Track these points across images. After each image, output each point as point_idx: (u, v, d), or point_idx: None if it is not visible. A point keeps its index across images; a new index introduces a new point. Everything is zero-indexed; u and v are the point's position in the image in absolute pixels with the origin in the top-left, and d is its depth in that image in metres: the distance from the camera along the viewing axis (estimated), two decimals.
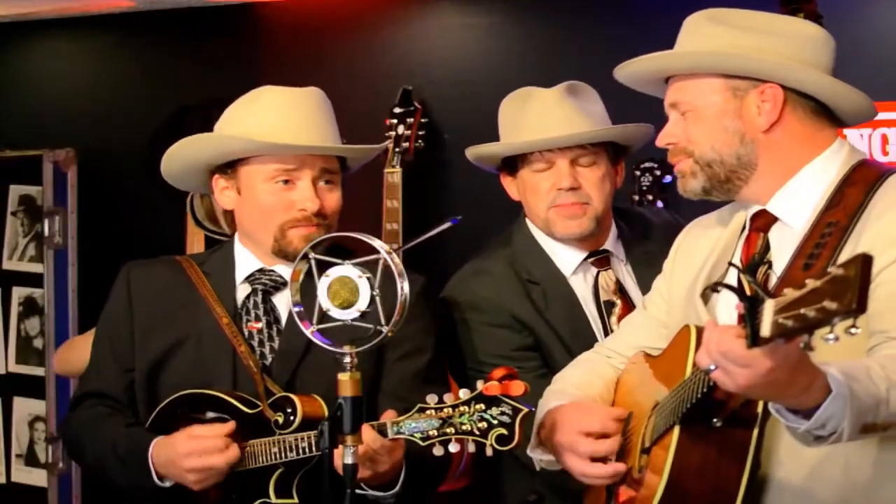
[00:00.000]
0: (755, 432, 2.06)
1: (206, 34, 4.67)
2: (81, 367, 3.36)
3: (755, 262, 2.23)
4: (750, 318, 1.71)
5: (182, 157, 2.68)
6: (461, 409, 2.22)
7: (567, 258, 2.89)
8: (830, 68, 2.25)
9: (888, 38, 3.77)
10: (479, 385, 2.23)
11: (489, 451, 2.22)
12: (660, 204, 3.89)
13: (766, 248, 2.25)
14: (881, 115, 3.73)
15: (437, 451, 2.24)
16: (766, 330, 1.67)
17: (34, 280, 4.61)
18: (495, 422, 2.20)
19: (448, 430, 2.22)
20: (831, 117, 2.26)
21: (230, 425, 2.48)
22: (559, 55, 4.12)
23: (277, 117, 2.61)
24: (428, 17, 4.42)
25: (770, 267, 2.21)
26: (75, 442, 2.72)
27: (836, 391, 1.82)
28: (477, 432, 2.21)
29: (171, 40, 4.74)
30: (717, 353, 1.80)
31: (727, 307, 2.25)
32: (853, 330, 1.58)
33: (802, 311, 1.61)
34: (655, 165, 3.88)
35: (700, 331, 2.12)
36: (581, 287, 2.87)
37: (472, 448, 2.24)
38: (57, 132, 4.69)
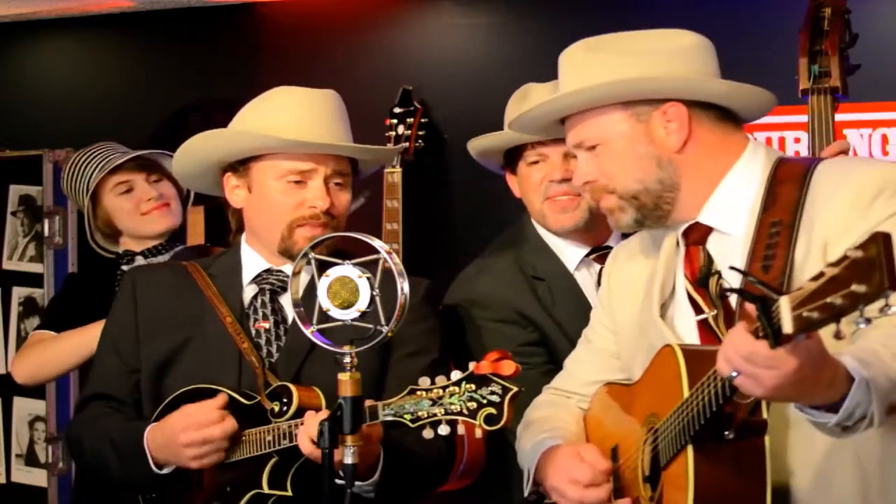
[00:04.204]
0: (767, 439, 2.02)
1: (206, 34, 4.67)
2: (55, 371, 3.35)
3: (704, 273, 2.21)
4: (766, 317, 1.68)
5: (196, 154, 2.69)
6: (451, 389, 2.21)
7: (570, 254, 2.93)
8: (718, 72, 2.24)
9: (888, 38, 3.76)
10: (471, 366, 2.22)
11: (478, 433, 2.20)
12: None
13: (710, 259, 2.22)
14: (881, 115, 3.72)
15: (427, 433, 2.22)
16: (788, 326, 1.64)
17: (34, 280, 4.60)
18: (485, 401, 2.18)
19: (437, 411, 2.20)
20: (735, 119, 2.25)
21: (222, 397, 2.48)
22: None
23: (293, 116, 2.61)
24: (428, 17, 4.42)
25: (720, 276, 2.19)
26: (76, 440, 2.73)
27: (858, 378, 1.81)
28: (466, 412, 2.19)
29: (171, 40, 4.73)
30: (740, 358, 1.76)
31: (685, 324, 2.23)
32: (890, 310, 1.53)
33: (829, 300, 1.57)
34: None
35: (684, 350, 2.09)
36: (585, 282, 2.91)
37: (461, 430, 2.23)
38: (57, 132, 4.68)
